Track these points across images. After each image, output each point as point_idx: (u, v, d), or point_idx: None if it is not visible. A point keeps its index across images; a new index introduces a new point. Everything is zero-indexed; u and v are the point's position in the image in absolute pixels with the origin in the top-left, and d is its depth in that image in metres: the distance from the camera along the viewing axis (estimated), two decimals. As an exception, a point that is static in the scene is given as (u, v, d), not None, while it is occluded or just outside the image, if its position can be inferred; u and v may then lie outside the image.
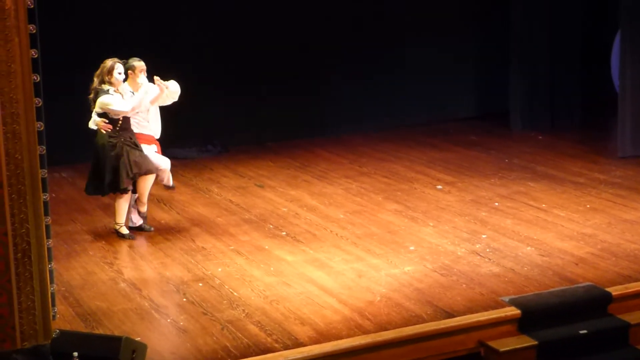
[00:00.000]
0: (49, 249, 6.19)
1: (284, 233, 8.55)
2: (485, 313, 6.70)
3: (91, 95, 8.28)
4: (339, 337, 6.35)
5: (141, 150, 8.39)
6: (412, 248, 8.08)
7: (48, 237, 6.16)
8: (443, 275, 7.42)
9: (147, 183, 8.55)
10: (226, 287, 7.30)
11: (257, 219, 8.94)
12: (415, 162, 11.14)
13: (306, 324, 6.59)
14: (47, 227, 6.11)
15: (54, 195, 9.98)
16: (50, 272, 6.28)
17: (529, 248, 8.00)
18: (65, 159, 10.86)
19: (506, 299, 6.90)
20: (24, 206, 5.87)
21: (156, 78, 8.48)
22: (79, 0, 11.16)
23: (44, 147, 6.04)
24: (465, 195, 9.69)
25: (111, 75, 8.18)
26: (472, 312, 6.70)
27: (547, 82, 12.73)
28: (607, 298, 6.99)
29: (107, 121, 8.21)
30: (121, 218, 8.50)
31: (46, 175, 6.08)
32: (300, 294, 7.15)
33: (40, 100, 5.94)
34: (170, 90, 8.61)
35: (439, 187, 10.03)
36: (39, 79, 5.93)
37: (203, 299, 7.06)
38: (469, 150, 11.75)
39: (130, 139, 8.32)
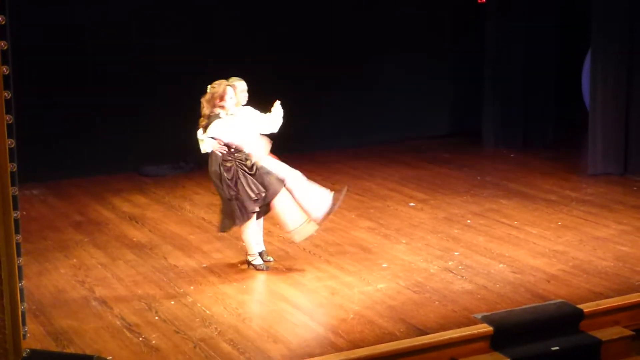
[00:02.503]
0: (19, 267, 6.14)
1: (257, 251, 8.53)
2: (458, 330, 6.71)
3: (204, 122, 7.80)
4: (312, 355, 6.33)
5: (254, 173, 7.81)
6: (385, 265, 8.09)
7: (19, 255, 6.11)
8: (416, 293, 7.44)
9: (282, 204, 7.90)
10: (198, 305, 7.28)
11: (229, 237, 8.91)
12: (388, 180, 11.18)
13: (279, 342, 6.57)
14: (17, 245, 6.06)
15: (24, 212, 9.90)
16: (21, 290, 6.23)
17: (501, 265, 8.04)
18: (36, 176, 10.81)
19: (478, 316, 6.92)
20: (-6, 224, 5.82)
21: (277, 105, 8.11)
22: (54, 14, 11.12)
23: (15, 164, 6.00)
24: (437, 212, 9.73)
25: (223, 100, 7.79)
26: (444, 329, 6.71)
27: (519, 100, 12.82)
28: (579, 315, 7.03)
29: (222, 143, 7.78)
30: (252, 248, 8.04)
31: (17, 192, 6.04)
32: (273, 311, 7.14)
33: (11, 117, 5.91)
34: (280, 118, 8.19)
35: (412, 204, 10.07)
36: (10, 95, 5.90)
37: (175, 317, 7.03)
38: (442, 167, 11.81)
39: (246, 159, 7.81)
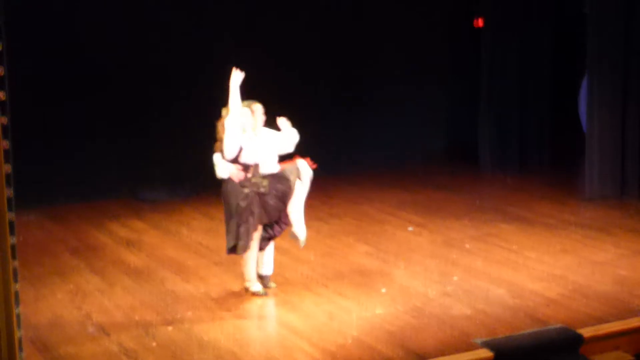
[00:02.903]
0: (16, 293, 6.09)
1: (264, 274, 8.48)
2: (457, 355, 6.67)
3: (220, 146, 7.75)
4: (310, 381, 6.31)
5: (270, 194, 7.77)
6: (383, 290, 8.06)
7: (15, 280, 6.07)
8: (414, 318, 7.40)
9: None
10: (196, 330, 7.23)
11: (227, 262, 8.87)
12: (386, 204, 11.16)
13: (277, 367, 6.54)
14: (14, 270, 6.03)
15: (20, 238, 9.85)
16: (18, 316, 6.18)
17: (500, 290, 8.00)
18: (32, 201, 10.77)
19: (478, 341, 6.89)
20: (-10, 250, 5.79)
21: (281, 120, 7.99)
22: (50, 36, 11.11)
23: (12, 190, 5.98)
24: (436, 236, 9.71)
25: None
26: (443, 355, 6.67)
27: (516, 124, 12.83)
28: (579, 339, 7.00)
29: (240, 168, 7.72)
30: (250, 274, 7.95)
31: (14, 218, 6.02)
32: (270, 337, 7.10)
33: (7, 142, 5.89)
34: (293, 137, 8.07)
35: (410, 228, 10.05)
36: (7, 121, 5.88)
37: (173, 343, 6.99)
38: (440, 192, 11.79)
39: (261, 182, 7.74)
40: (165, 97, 11.66)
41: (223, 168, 7.78)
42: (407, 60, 13.32)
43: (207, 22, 11.93)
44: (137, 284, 8.37)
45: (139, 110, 11.62)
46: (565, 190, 11.65)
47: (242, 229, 7.73)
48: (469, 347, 6.80)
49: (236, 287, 8.17)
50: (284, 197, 7.85)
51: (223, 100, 7.87)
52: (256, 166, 7.79)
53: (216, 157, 7.85)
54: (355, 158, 13.02)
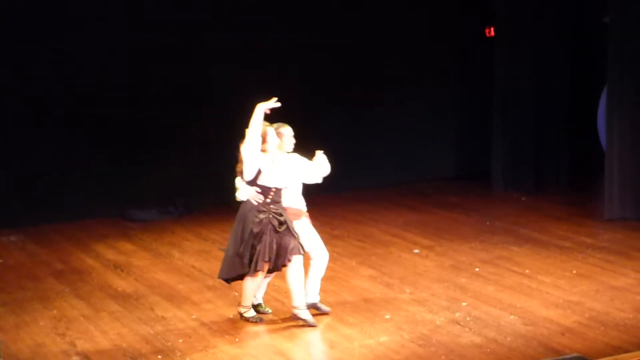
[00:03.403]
0: (-5, 319, 6.14)
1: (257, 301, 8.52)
2: (466, 387, 6.71)
3: (241, 168, 7.81)
4: (309, 414, 6.33)
5: (283, 233, 7.77)
6: (387, 317, 8.08)
7: (-5, 306, 6.11)
8: (421, 346, 7.42)
9: (295, 270, 7.84)
10: (188, 359, 7.25)
11: (221, 286, 8.90)
12: (391, 225, 11.19)
13: (274, 399, 6.56)
14: (-6, 295, 6.07)
15: (1, 260, 9.93)
16: (-3, 344, 6.22)
17: (512, 317, 8.02)
18: (14, 221, 10.81)
19: (488, 371, 6.92)
20: (-31, 273, 5.83)
21: (319, 153, 8.06)
22: (36, 53, 11.20)
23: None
24: (444, 260, 9.73)
25: (265, 142, 7.78)
26: (452, 386, 6.71)
27: (531, 140, 12.85)
28: (596, 370, 7.02)
29: (259, 190, 7.79)
30: (247, 300, 7.99)
31: (-6, 239, 6.06)
32: (267, 367, 7.12)
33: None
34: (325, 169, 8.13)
35: (416, 251, 10.08)
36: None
37: (163, 373, 7.03)
38: (448, 212, 11.82)
39: (280, 215, 7.78)
40: (157, 111, 11.70)
41: (242, 190, 7.86)
42: (416, 76, 13.38)
43: (206, 43, 11.99)
44: (126, 309, 8.39)
45: (129, 124, 11.66)
46: (583, 211, 11.67)
47: (251, 255, 7.76)
48: (479, 378, 6.83)
49: (231, 313, 8.20)
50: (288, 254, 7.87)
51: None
52: (277, 191, 7.83)
53: (238, 181, 7.91)
54: (360, 176, 13.05)
